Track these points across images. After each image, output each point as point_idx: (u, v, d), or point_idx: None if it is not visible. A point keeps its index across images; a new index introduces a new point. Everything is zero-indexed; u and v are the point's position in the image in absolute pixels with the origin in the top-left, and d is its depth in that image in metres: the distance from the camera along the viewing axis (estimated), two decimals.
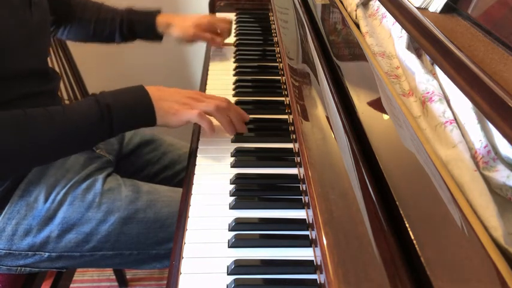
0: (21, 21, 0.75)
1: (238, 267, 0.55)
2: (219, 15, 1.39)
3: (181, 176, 1.00)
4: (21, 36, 0.75)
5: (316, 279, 0.54)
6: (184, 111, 0.73)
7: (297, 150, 0.70)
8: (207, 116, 0.75)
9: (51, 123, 0.67)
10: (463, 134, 0.48)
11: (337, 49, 0.75)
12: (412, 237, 0.39)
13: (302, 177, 0.63)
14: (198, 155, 0.77)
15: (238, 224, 0.61)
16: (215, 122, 0.77)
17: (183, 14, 1.05)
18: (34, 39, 0.79)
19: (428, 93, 0.55)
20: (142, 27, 1.05)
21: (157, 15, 1.04)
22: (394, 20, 0.70)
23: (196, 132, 0.82)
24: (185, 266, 0.56)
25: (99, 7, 1.05)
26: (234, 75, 1.04)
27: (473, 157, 0.45)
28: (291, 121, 0.78)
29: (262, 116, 0.87)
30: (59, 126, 0.68)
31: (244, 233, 0.60)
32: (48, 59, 1.01)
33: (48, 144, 0.68)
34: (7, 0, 0.72)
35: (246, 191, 0.68)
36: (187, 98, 0.75)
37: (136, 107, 0.72)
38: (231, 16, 1.37)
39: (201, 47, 1.85)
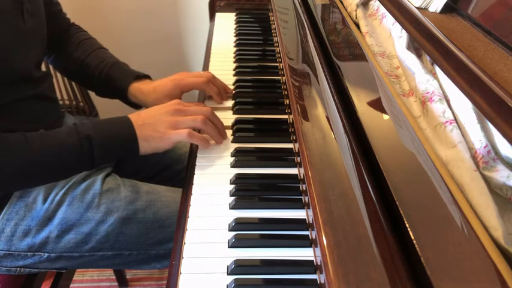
0: (11, 27, 0.73)
1: (238, 267, 0.55)
2: (219, 15, 1.39)
3: (181, 176, 1.00)
4: (11, 42, 0.73)
5: (316, 279, 0.54)
6: (172, 134, 0.72)
7: (297, 150, 0.70)
8: (197, 133, 0.74)
9: (27, 150, 0.66)
10: (463, 134, 0.48)
11: (337, 49, 0.75)
12: (412, 237, 0.39)
13: (302, 177, 0.63)
14: (198, 155, 0.77)
15: (238, 224, 0.61)
16: None
17: (156, 82, 0.90)
18: (26, 47, 0.78)
19: (428, 93, 0.55)
20: (116, 86, 0.91)
21: (133, 81, 0.91)
22: (394, 20, 0.70)
23: None
24: (185, 266, 0.56)
25: (93, 50, 0.96)
26: (234, 75, 1.04)
27: (473, 157, 0.45)
28: (291, 121, 0.78)
29: (262, 116, 0.87)
30: (35, 155, 0.66)
31: (244, 233, 0.60)
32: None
33: (20, 172, 0.67)
34: None
35: (246, 191, 0.68)
36: (169, 114, 0.73)
37: (118, 138, 0.71)
38: (231, 16, 1.37)
39: (200, 48, 1.85)
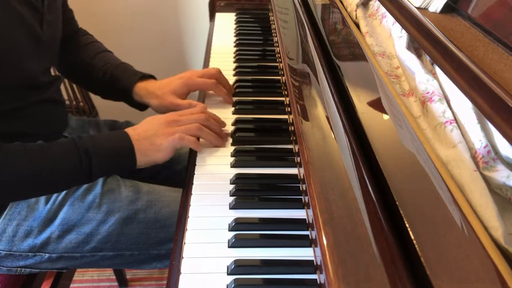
0: (31, 37, 0.75)
1: (238, 267, 0.55)
2: (219, 15, 1.39)
3: (181, 176, 1.00)
4: (30, 50, 0.75)
5: (316, 279, 0.54)
6: (166, 142, 0.72)
7: (297, 150, 0.70)
8: (188, 136, 0.73)
9: (26, 162, 0.66)
10: (463, 134, 0.48)
11: (337, 49, 0.75)
12: (412, 237, 0.39)
13: (302, 177, 0.63)
14: (198, 154, 0.77)
15: (238, 224, 0.61)
16: None
17: (163, 80, 0.91)
18: (40, 56, 0.79)
19: (428, 93, 0.55)
20: (121, 86, 0.91)
21: (138, 81, 0.90)
22: (394, 20, 0.70)
23: None
24: (185, 266, 0.56)
25: (98, 52, 0.96)
26: (234, 75, 1.04)
27: (473, 157, 0.45)
28: (291, 121, 0.78)
29: (262, 116, 0.87)
30: (34, 168, 0.66)
31: (244, 233, 0.60)
32: None
33: (18, 183, 0.67)
34: (19, 16, 0.72)
35: (246, 191, 0.68)
36: (165, 126, 0.73)
37: (116, 153, 0.71)
38: (231, 16, 1.37)
39: (200, 48, 1.85)
